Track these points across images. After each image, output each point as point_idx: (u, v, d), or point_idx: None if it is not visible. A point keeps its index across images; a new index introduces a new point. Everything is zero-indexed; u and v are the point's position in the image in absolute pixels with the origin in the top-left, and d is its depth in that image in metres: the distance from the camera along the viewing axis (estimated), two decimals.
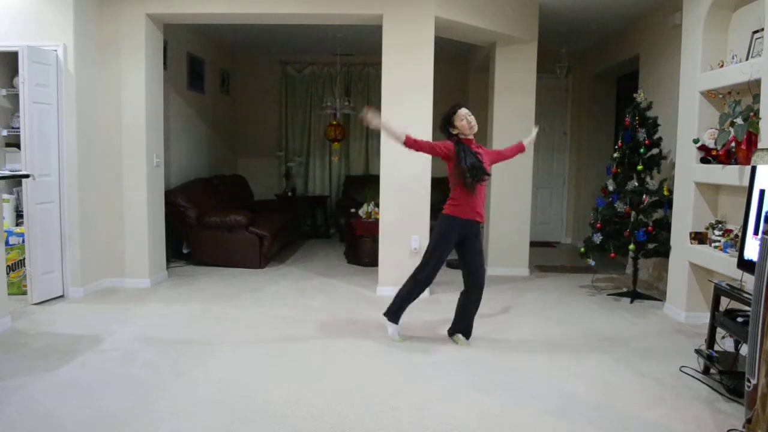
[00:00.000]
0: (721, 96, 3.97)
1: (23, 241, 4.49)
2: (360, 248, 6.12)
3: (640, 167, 4.73)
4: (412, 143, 3.49)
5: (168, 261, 5.57)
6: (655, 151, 4.82)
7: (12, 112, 4.80)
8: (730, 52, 3.90)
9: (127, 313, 4.25)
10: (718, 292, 3.16)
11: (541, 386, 3.04)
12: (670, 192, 4.60)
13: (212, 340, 3.68)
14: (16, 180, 4.52)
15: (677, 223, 4.37)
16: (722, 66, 3.87)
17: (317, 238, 8.02)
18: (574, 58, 7.41)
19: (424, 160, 4.82)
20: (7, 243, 4.42)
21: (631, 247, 4.72)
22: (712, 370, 3.15)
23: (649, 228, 4.68)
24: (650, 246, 4.72)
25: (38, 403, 2.73)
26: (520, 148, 3.87)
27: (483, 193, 3.55)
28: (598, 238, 4.91)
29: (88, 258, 4.81)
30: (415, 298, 3.70)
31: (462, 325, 3.69)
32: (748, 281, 2.82)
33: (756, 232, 2.82)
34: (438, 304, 4.57)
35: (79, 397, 2.80)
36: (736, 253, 3.32)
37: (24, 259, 4.50)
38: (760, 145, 3.32)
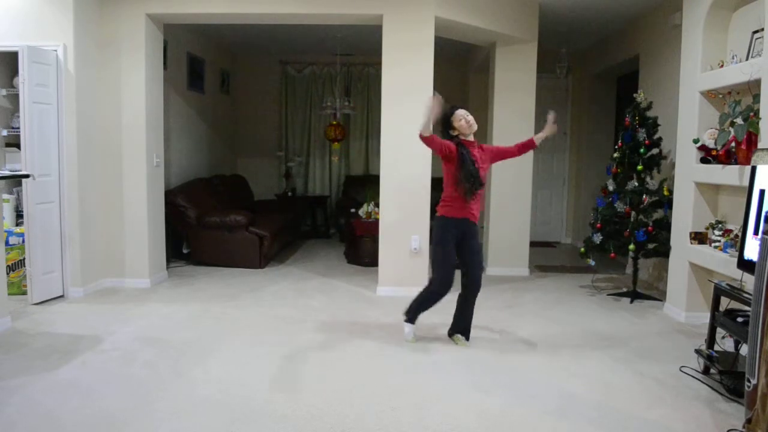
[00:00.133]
0: (721, 96, 3.97)
1: (23, 241, 4.49)
2: (360, 248, 6.12)
3: (640, 167, 4.73)
4: (428, 138, 3.44)
5: (168, 261, 5.57)
6: (655, 151, 4.82)
7: (12, 112, 4.80)
8: (730, 52, 3.90)
9: (127, 313, 4.25)
10: (718, 292, 3.16)
11: (541, 386, 3.04)
12: (670, 192, 4.60)
13: (212, 340, 3.68)
14: (16, 180, 4.52)
15: (677, 223, 4.37)
16: (722, 66, 3.87)
17: (317, 238, 8.02)
18: (574, 58, 7.41)
19: (424, 160, 4.82)
20: (7, 243, 4.42)
21: (631, 247, 4.72)
22: (712, 370, 3.15)
23: (649, 228, 4.68)
24: (650, 246, 4.73)
25: (38, 403, 2.73)
26: (530, 145, 3.72)
27: (479, 196, 3.55)
28: (598, 238, 4.91)
29: (88, 258, 4.81)
30: (430, 306, 3.67)
31: (461, 326, 3.70)
32: (748, 281, 2.82)
33: (756, 232, 2.82)
34: (438, 304, 4.56)
35: (79, 397, 2.80)
36: (736, 253, 3.32)
37: (24, 259, 4.50)
38: (760, 145, 3.32)
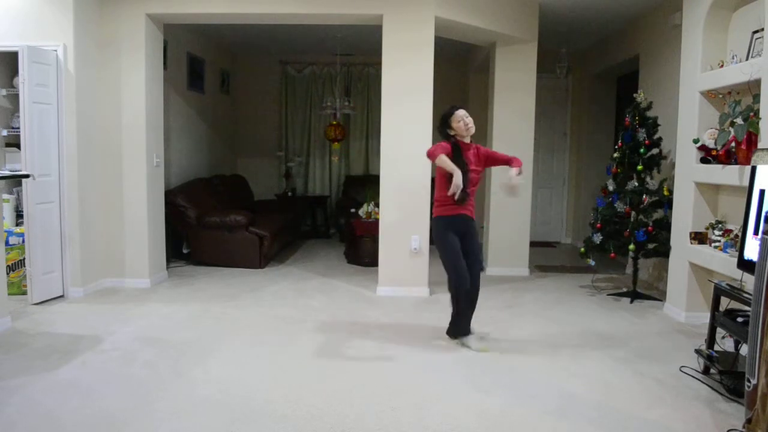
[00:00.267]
0: (721, 96, 3.97)
1: (23, 241, 4.49)
2: (360, 248, 6.12)
3: (640, 167, 4.73)
4: (431, 155, 3.47)
5: (168, 261, 5.57)
6: (655, 151, 4.82)
7: (12, 112, 4.80)
8: (730, 52, 3.90)
9: (127, 313, 4.25)
10: (718, 292, 3.16)
11: (541, 386, 3.04)
12: (670, 192, 4.60)
13: (212, 340, 3.68)
14: (16, 180, 4.52)
15: (677, 223, 4.37)
16: (722, 66, 3.87)
17: (317, 238, 8.02)
18: (574, 58, 7.41)
19: (424, 160, 4.81)
20: (7, 243, 4.42)
21: (631, 247, 4.72)
22: (712, 370, 3.15)
23: (649, 228, 4.68)
24: (650, 246, 4.72)
25: (38, 403, 2.73)
26: (510, 162, 3.66)
27: (470, 195, 3.56)
28: (598, 238, 4.91)
29: (88, 258, 4.81)
30: (464, 307, 3.61)
31: (461, 326, 3.69)
32: (748, 281, 2.82)
33: (756, 232, 2.82)
34: (438, 304, 4.57)
35: (79, 397, 2.80)
36: (736, 253, 3.32)
37: (24, 259, 4.50)
38: (760, 145, 3.32)
